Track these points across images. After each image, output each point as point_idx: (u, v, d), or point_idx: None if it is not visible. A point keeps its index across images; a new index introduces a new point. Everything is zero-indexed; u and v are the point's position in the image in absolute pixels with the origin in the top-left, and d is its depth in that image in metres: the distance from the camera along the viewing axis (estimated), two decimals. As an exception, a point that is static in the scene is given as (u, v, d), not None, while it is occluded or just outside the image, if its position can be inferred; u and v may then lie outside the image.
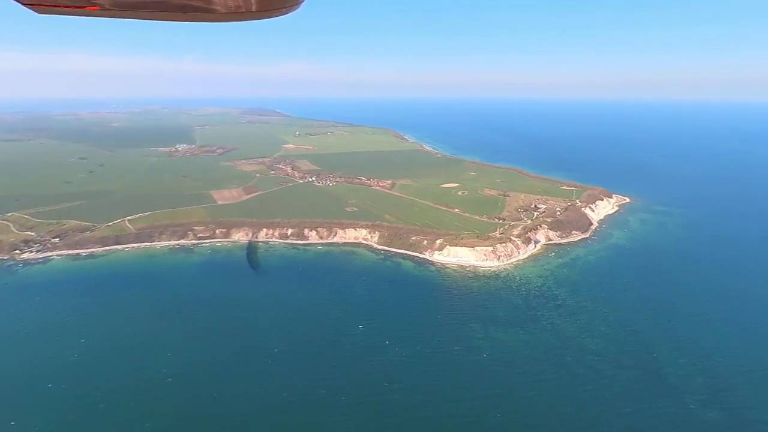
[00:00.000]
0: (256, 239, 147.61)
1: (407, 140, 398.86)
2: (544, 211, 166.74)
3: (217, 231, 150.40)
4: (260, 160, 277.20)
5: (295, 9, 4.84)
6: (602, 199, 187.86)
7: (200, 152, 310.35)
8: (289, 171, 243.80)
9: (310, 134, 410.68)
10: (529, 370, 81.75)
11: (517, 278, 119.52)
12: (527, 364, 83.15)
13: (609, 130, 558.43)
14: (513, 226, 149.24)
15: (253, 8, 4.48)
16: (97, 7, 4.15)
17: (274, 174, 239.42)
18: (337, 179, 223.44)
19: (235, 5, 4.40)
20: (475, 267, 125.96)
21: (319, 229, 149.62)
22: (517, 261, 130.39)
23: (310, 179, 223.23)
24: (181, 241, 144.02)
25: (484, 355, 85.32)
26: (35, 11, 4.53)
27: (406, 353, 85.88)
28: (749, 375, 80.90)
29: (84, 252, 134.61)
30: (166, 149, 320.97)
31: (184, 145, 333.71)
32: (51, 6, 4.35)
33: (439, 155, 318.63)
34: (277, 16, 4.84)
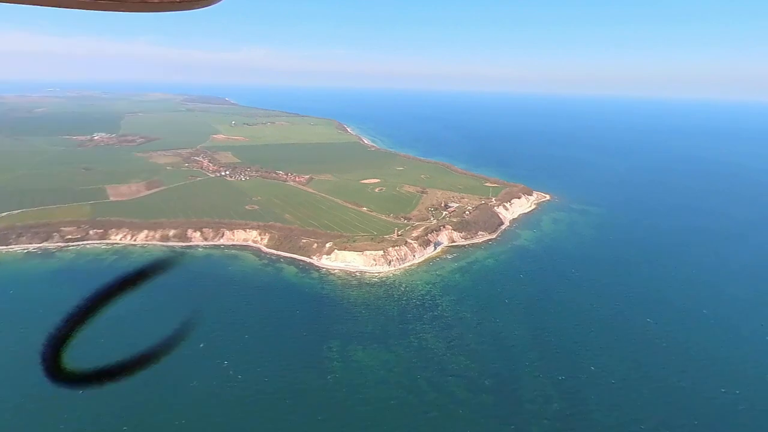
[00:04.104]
0: (134, 241, 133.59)
1: (348, 132, 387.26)
2: (454, 210, 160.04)
3: (91, 232, 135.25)
4: (179, 151, 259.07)
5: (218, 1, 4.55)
6: (519, 197, 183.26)
7: (117, 142, 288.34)
8: (205, 164, 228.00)
9: (247, 124, 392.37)
10: (375, 395, 73.38)
11: (403, 285, 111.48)
12: (375, 389, 74.76)
13: (562, 126, 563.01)
14: (415, 227, 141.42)
15: None
16: None
17: (187, 167, 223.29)
18: (253, 173, 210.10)
19: None
20: (362, 273, 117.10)
21: (205, 229, 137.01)
22: (410, 265, 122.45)
23: (222, 173, 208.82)
24: (44, 244, 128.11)
25: (328, 378, 76.44)
26: None
27: (242, 377, 75.78)
28: (603, 387, 75.69)
29: None
30: (81, 138, 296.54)
31: (103, 134, 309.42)
32: None
33: (373, 148, 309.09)
34: (197, 8, 4.44)
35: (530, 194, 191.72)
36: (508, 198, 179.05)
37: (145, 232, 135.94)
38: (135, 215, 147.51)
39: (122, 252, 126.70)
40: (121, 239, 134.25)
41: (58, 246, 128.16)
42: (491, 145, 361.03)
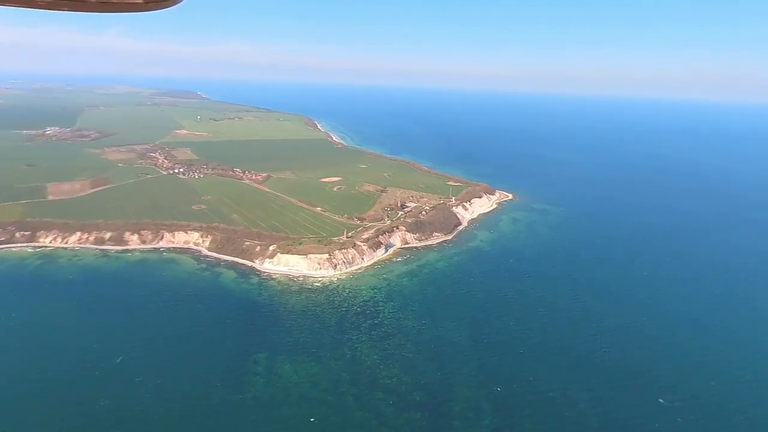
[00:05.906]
0: (65, 244, 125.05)
1: (317, 129, 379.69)
2: (410, 210, 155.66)
3: (18, 234, 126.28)
4: (135, 147, 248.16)
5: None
6: (481, 197, 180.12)
7: (71, 137, 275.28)
8: (160, 161, 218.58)
9: (214, 119, 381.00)
10: (295, 413, 68.31)
11: (346, 291, 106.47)
12: (295, 406, 69.64)
13: (543, 125, 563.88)
14: (367, 228, 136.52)
15: None
16: None
17: (141, 164, 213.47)
18: (208, 171, 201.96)
19: None
20: (305, 277, 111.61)
21: (143, 231, 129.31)
22: (358, 269, 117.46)
23: (176, 171, 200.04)
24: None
25: (247, 394, 70.92)
26: None
27: (152, 395, 69.65)
28: (539, 398, 72.39)
29: None
30: (33, 132, 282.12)
31: (57, 128, 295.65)
32: None
33: (340, 146, 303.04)
34: (161, 8, 4.48)
35: (492, 194, 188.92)
36: (469, 198, 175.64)
37: (78, 234, 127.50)
38: (71, 215, 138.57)
39: (49, 256, 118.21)
40: (50, 242, 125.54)
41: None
42: (463, 143, 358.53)
